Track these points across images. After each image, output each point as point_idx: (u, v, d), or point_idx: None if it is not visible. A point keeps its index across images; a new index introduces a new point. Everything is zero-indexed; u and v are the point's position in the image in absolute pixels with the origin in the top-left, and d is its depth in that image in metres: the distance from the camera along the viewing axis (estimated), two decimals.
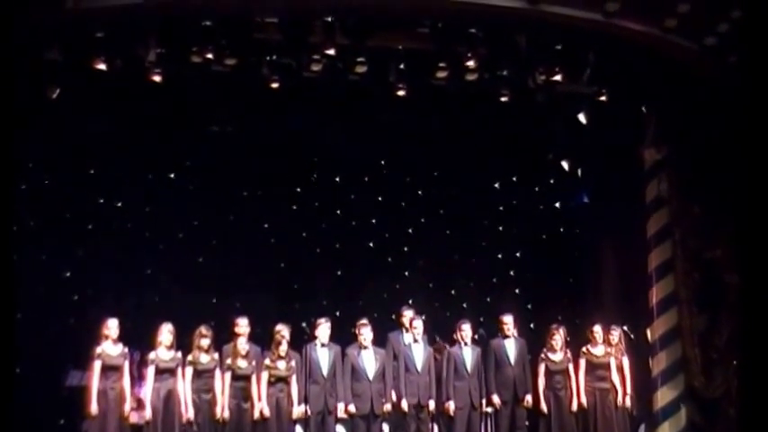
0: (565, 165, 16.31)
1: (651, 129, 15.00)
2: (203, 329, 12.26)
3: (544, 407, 13.35)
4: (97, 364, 11.88)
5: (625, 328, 14.72)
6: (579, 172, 16.50)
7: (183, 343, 12.34)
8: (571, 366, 13.42)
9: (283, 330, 12.60)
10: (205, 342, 12.22)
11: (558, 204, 17.46)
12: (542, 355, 13.50)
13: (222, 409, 12.15)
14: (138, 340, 12.90)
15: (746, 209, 6.99)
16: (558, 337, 13.46)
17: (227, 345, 12.54)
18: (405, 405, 12.94)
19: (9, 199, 8.21)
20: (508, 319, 13.69)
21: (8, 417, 10.09)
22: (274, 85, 13.28)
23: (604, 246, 16.32)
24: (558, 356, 13.41)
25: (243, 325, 12.61)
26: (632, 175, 15.32)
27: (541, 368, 13.44)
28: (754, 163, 10.33)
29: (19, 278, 13.59)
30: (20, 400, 13.15)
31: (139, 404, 12.42)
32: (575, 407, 13.30)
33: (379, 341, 13.25)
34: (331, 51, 12.62)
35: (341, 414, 12.85)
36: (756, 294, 6.30)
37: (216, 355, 12.34)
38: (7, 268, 8.43)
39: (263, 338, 12.87)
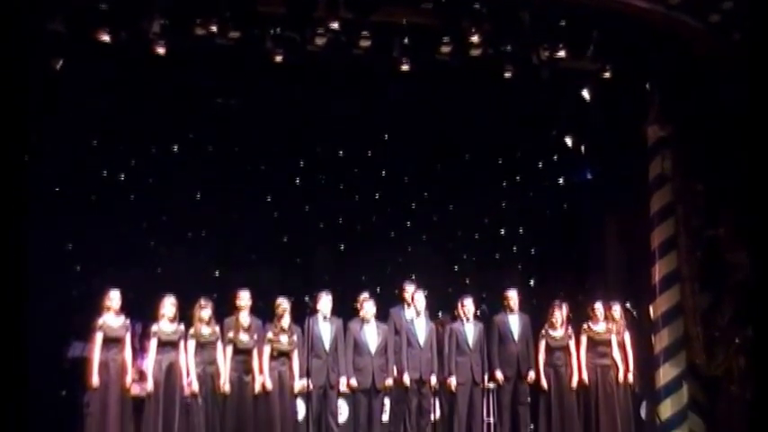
0: (568, 141, 16.25)
1: (655, 106, 14.94)
2: (202, 301, 12.27)
3: (544, 383, 13.34)
4: (99, 336, 11.89)
5: (627, 304, 14.73)
6: (583, 149, 16.44)
7: (186, 316, 12.34)
8: (572, 343, 13.41)
9: (284, 303, 12.60)
10: (205, 313, 12.22)
11: (561, 181, 17.44)
12: (543, 332, 13.48)
13: (224, 383, 12.16)
14: (141, 313, 12.93)
15: (749, 187, 6.96)
16: (559, 314, 13.45)
17: (229, 318, 12.56)
18: (406, 380, 12.95)
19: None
20: (512, 295, 13.70)
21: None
22: (278, 59, 13.23)
23: (607, 223, 16.31)
24: (558, 333, 13.41)
25: (244, 298, 12.59)
26: (636, 153, 15.28)
27: (542, 344, 13.43)
28: (757, 141, 10.30)
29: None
30: (22, 371, 13.24)
31: (141, 376, 12.44)
32: (575, 383, 13.29)
33: (381, 316, 13.26)
34: (335, 25, 12.56)
35: (343, 388, 12.88)
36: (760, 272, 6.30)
37: (217, 328, 12.35)
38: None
39: (265, 312, 12.87)
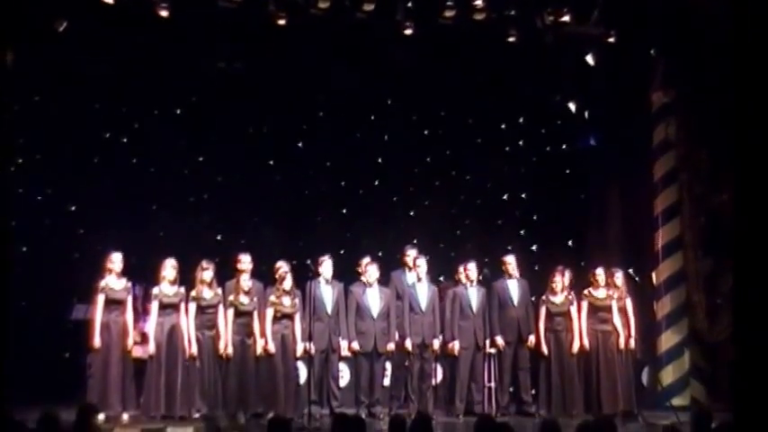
0: (572, 107, 16.22)
1: (659, 72, 14.92)
2: (204, 263, 12.25)
3: (545, 349, 13.35)
4: (100, 298, 11.90)
5: (630, 270, 14.73)
6: (586, 114, 16.42)
7: (187, 279, 12.34)
8: (573, 309, 13.40)
9: (284, 266, 12.59)
10: (207, 275, 12.21)
11: (564, 146, 17.40)
12: (543, 297, 13.46)
13: (225, 346, 12.17)
14: (142, 275, 12.94)
15: (752, 154, 6.93)
16: (560, 280, 13.40)
17: (230, 281, 12.56)
18: (408, 344, 12.94)
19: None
20: (511, 260, 13.67)
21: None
22: (281, 22, 13.22)
23: (610, 189, 16.29)
24: (558, 299, 13.38)
25: (245, 261, 12.57)
26: (640, 119, 15.27)
27: (542, 310, 13.39)
28: (761, 107, 10.24)
29: (24, 212, 13.69)
30: (25, 333, 13.31)
31: (143, 339, 12.48)
32: (576, 349, 13.29)
33: (383, 280, 13.24)
34: None
35: (344, 352, 12.89)
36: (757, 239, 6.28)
37: (219, 291, 12.34)
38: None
39: (266, 275, 12.86)
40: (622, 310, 13.42)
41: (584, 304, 13.36)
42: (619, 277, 13.58)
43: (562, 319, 13.34)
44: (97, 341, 11.80)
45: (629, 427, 12.34)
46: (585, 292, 13.40)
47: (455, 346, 13.17)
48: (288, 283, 12.32)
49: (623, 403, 13.10)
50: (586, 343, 13.25)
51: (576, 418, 12.14)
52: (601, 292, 13.37)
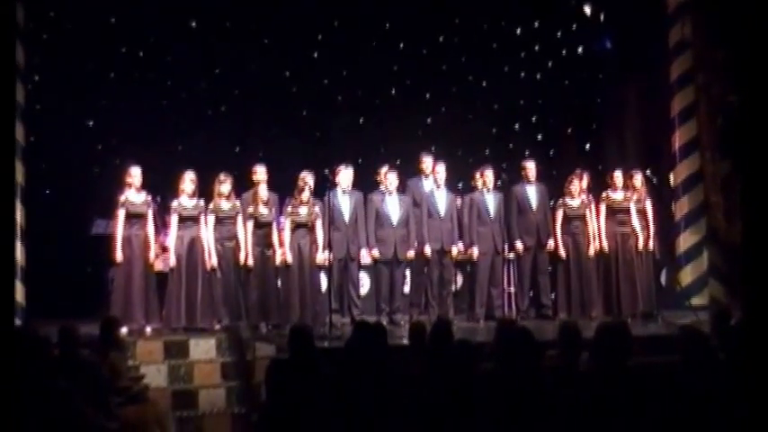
0: (587, 9, 16.10)
1: None
2: (222, 176, 12.28)
3: (563, 252, 13.40)
4: (121, 212, 11.95)
5: (648, 172, 14.72)
6: (602, 17, 16.30)
7: (206, 191, 12.40)
8: (588, 212, 13.41)
9: (307, 177, 12.63)
10: (225, 188, 12.26)
11: (580, 50, 17.29)
12: (560, 201, 13.48)
13: (246, 257, 12.27)
14: (162, 188, 13.00)
15: None
16: (577, 183, 13.39)
17: (247, 193, 12.62)
18: (427, 251, 13.01)
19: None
20: (530, 165, 13.63)
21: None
22: None
23: (627, 91, 16.25)
24: (575, 202, 13.39)
25: (261, 172, 12.63)
26: (655, 19, 15.14)
27: (559, 214, 13.41)
28: None
29: (42, 128, 13.75)
30: (47, 249, 13.45)
31: (164, 251, 12.59)
32: (593, 252, 13.34)
33: (401, 188, 13.26)
34: None
35: (364, 260, 12.99)
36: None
37: (237, 203, 12.40)
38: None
39: (284, 187, 12.91)
40: (641, 212, 13.42)
41: (603, 207, 13.37)
42: (638, 179, 13.56)
43: (579, 222, 13.37)
44: (119, 255, 11.89)
45: (648, 327, 12.42)
46: (603, 194, 13.41)
47: (474, 251, 13.23)
48: (306, 194, 12.35)
49: (642, 304, 13.19)
50: (605, 245, 13.29)
51: (595, 320, 12.24)
52: (619, 195, 13.38)
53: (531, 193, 13.52)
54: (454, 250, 13.15)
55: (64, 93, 14.92)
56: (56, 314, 11.01)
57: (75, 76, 14.91)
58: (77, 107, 15.13)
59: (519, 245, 13.40)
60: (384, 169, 13.23)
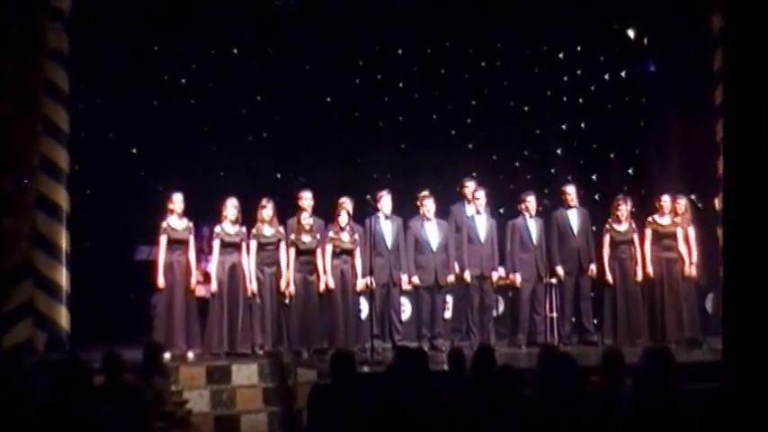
0: (630, 33, 16.04)
1: None
2: (264, 201, 12.34)
3: (609, 277, 13.30)
4: (163, 239, 12.04)
5: (692, 197, 14.61)
6: (645, 40, 16.23)
7: (248, 218, 12.44)
8: (636, 237, 13.33)
9: (347, 203, 12.67)
10: (266, 213, 12.30)
11: (623, 73, 17.23)
12: (607, 226, 13.39)
13: (287, 284, 12.27)
14: (204, 215, 13.05)
15: None
16: (624, 208, 13.33)
17: (291, 219, 12.63)
18: (468, 276, 12.97)
19: None
20: (571, 190, 13.60)
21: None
22: None
23: (671, 115, 16.13)
24: (623, 227, 13.29)
25: (306, 198, 12.62)
26: (700, 43, 15.05)
27: (606, 239, 13.34)
28: None
29: (87, 155, 13.86)
30: (93, 275, 13.54)
31: (206, 278, 12.62)
32: (640, 277, 13.24)
33: (442, 214, 13.23)
34: None
35: (405, 286, 12.95)
36: None
37: (281, 229, 12.44)
38: None
39: (326, 212, 12.91)
40: (686, 238, 13.33)
41: (648, 232, 13.28)
42: (683, 204, 13.48)
43: (626, 246, 13.28)
44: (161, 281, 11.97)
45: (693, 353, 12.29)
46: (650, 219, 13.33)
47: (517, 278, 13.18)
48: (343, 219, 12.36)
49: (688, 330, 13.09)
50: (651, 270, 13.18)
51: (639, 347, 12.13)
52: (666, 219, 13.29)
53: (573, 218, 13.47)
54: (494, 276, 13.11)
55: (108, 120, 15.03)
56: (99, 339, 11.08)
57: (119, 104, 15.03)
58: (121, 134, 15.26)
59: (560, 270, 13.34)
60: (422, 195, 13.21)
